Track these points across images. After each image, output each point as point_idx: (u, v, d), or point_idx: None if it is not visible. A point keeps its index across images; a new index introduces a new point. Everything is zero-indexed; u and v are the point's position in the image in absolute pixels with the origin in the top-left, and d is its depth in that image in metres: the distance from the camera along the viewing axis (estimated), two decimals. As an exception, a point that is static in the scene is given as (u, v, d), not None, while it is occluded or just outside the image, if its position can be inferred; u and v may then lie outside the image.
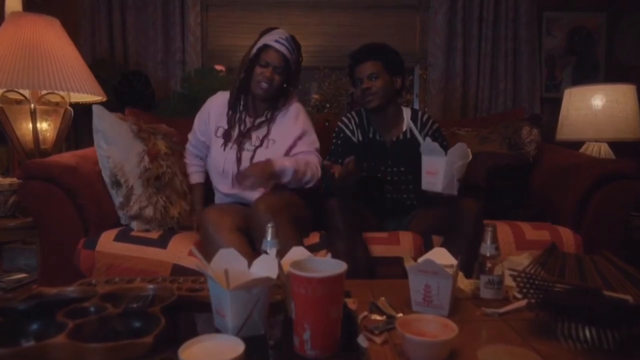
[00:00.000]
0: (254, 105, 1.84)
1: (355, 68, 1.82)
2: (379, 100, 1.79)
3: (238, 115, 1.82)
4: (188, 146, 1.96)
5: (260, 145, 1.78)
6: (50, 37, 2.01)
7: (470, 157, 1.51)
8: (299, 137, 1.81)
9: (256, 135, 1.80)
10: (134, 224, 1.66)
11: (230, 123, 1.81)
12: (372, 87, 1.78)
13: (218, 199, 1.88)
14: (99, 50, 2.86)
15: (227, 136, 1.80)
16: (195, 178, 1.94)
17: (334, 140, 1.92)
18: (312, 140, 1.85)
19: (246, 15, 3.05)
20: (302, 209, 1.73)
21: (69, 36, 2.15)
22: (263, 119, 1.81)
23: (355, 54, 1.83)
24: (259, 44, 1.75)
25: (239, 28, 3.06)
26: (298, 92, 2.06)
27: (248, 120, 1.82)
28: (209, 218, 1.56)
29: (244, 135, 1.79)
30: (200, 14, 2.93)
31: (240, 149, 1.77)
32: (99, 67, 2.55)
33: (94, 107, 1.70)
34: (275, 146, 1.78)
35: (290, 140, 1.79)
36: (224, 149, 1.78)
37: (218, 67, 2.95)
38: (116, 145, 1.67)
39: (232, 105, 1.83)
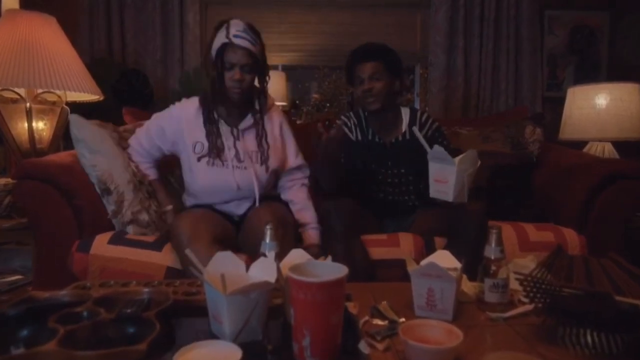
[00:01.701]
0: (229, 112, 1.66)
1: (355, 66, 1.77)
2: (380, 102, 1.75)
3: (215, 127, 1.63)
4: (137, 148, 1.72)
5: (262, 155, 1.64)
6: (47, 35, 1.98)
7: (479, 162, 1.47)
8: (291, 153, 1.73)
9: (245, 145, 1.64)
10: (130, 228, 1.61)
11: (211, 137, 1.61)
12: (374, 88, 1.73)
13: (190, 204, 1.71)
14: (98, 49, 2.84)
15: (216, 153, 1.61)
16: (154, 173, 1.74)
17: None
18: (297, 153, 1.76)
19: (245, 14, 3.01)
20: (293, 221, 1.65)
21: (66, 34, 2.12)
22: (249, 123, 1.64)
23: (357, 52, 1.78)
24: (216, 43, 1.55)
25: (238, 27, 3.04)
26: (298, 91, 2.02)
27: (226, 130, 1.63)
28: (181, 228, 1.42)
29: (230, 149, 1.62)
30: (199, 12, 2.91)
31: (238, 164, 1.61)
32: (97, 66, 2.52)
33: (72, 117, 1.66)
34: (272, 151, 1.66)
35: (280, 153, 1.69)
36: (224, 166, 1.60)
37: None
38: (100, 153, 1.63)
39: (209, 117, 1.63)
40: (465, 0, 2.88)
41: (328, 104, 5.50)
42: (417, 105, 3.42)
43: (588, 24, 3.07)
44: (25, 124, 1.99)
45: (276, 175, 1.73)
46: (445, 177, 1.43)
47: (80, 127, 1.65)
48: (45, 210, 1.61)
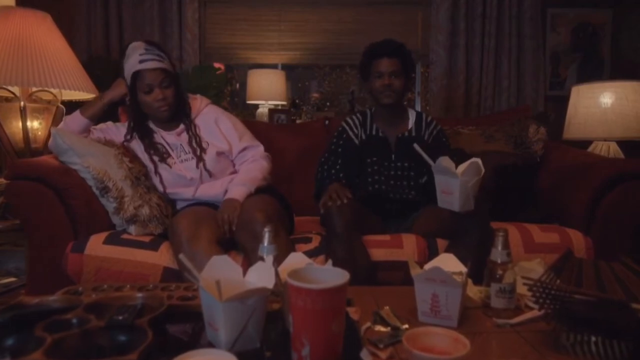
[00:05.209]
0: (164, 125, 1.74)
1: (375, 61, 1.78)
2: (396, 98, 1.79)
3: (155, 136, 1.73)
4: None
5: (198, 152, 1.70)
6: (42, 33, 1.95)
7: (483, 171, 1.46)
8: (233, 138, 1.76)
9: (187, 144, 1.72)
10: (132, 229, 1.58)
11: (153, 145, 1.71)
12: (393, 84, 1.76)
13: (181, 205, 1.75)
14: (95, 47, 2.81)
15: (164, 154, 1.71)
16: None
17: (334, 140, 1.89)
18: (249, 137, 1.80)
19: (245, 12, 2.99)
20: (285, 216, 1.68)
21: (63, 32, 2.09)
22: (182, 128, 1.74)
23: (379, 47, 1.79)
24: (127, 74, 1.62)
25: (238, 25, 3.01)
26: (298, 90, 2.01)
27: (167, 135, 1.73)
28: (181, 228, 1.43)
29: (175, 149, 1.72)
30: (197, 10, 2.88)
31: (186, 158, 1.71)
32: (94, 64, 2.49)
33: (55, 130, 1.62)
34: (211, 149, 1.71)
35: (225, 144, 1.74)
36: (176, 162, 1.69)
37: (216, 65, 2.89)
38: (91, 155, 1.61)
39: (143, 134, 1.72)
40: (466, -2, 2.85)
41: (328, 103, 5.47)
42: (417, 104, 3.39)
43: (591, 22, 3.04)
44: (20, 123, 1.96)
45: (227, 159, 1.76)
46: (450, 189, 1.45)
47: (66, 135, 1.62)
48: (38, 211, 1.58)
